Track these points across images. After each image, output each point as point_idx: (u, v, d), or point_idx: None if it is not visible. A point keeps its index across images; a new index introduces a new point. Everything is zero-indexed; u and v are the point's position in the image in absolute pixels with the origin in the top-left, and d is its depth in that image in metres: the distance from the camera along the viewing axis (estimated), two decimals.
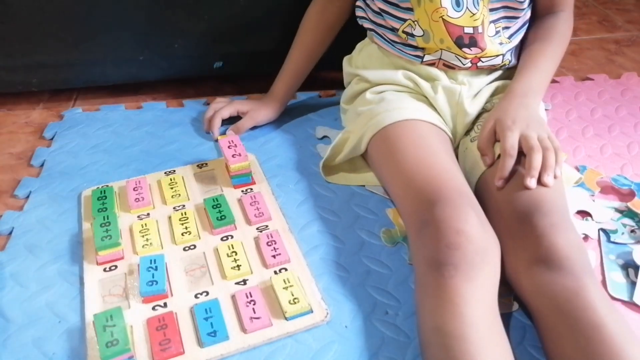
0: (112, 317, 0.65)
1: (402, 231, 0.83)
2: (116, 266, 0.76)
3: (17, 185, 0.93)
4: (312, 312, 0.70)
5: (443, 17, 0.81)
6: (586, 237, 0.83)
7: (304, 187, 0.92)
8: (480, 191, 0.79)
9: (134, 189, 0.87)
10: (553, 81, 1.22)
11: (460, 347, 0.55)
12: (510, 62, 0.88)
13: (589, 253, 0.72)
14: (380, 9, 0.87)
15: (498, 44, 0.85)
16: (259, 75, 1.18)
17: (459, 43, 0.82)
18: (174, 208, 0.86)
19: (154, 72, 1.15)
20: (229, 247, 0.78)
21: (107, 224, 0.79)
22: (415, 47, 0.86)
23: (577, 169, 0.95)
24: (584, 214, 0.87)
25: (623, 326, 0.57)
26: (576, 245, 0.64)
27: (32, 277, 0.76)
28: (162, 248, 0.79)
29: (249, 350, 0.67)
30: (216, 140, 1.01)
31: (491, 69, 0.89)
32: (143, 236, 0.80)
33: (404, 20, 0.85)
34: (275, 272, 0.75)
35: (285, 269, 0.76)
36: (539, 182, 0.70)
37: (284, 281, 0.72)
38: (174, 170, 0.94)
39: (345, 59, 1.01)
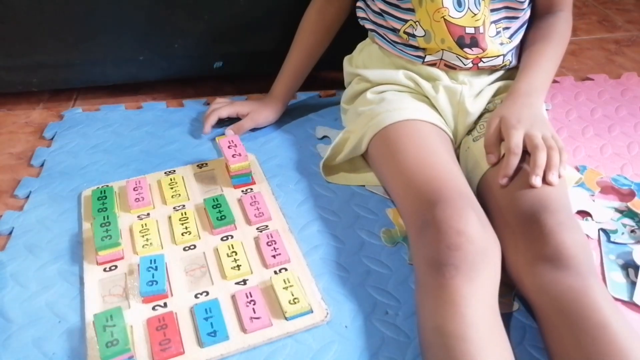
0: (112, 317, 0.65)
1: (402, 231, 0.83)
2: (116, 266, 0.76)
3: (17, 185, 0.93)
4: (312, 312, 0.70)
5: (445, 17, 0.81)
6: (586, 237, 0.83)
7: (304, 187, 0.92)
8: (482, 190, 0.79)
9: (134, 189, 0.87)
10: (553, 81, 1.21)
11: (461, 348, 0.55)
12: (510, 62, 0.88)
13: None
14: (380, 9, 0.87)
15: (499, 44, 0.85)
16: (259, 75, 1.18)
17: (460, 43, 0.82)
18: (174, 208, 0.86)
19: (154, 72, 1.15)
20: (229, 247, 0.78)
21: (107, 224, 0.79)
22: (417, 48, 0.86)
23: (577, 169, 0.95)
24: (584, 214, 0.87)
25: (627, 326, 0.57)
26: (582, 245, 0.64)
27: (32, 277, 0.76)
28: (162, 248, 0.79)
29: (249, 350, 0.67)
30: (213, 139, 1.01)
31: (492, 70, 0.89)
32: (143, 236, 0.80)
33: (405, 20, 0.85)
34: (275, 272, 0.75)
35: (285, 269, 0.76)
36: (544, 180, 0.71)
37: (284, 281, 0.72)
38: (174, 170, 0.94)
39: (346, 59, 1.01)
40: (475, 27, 0.82)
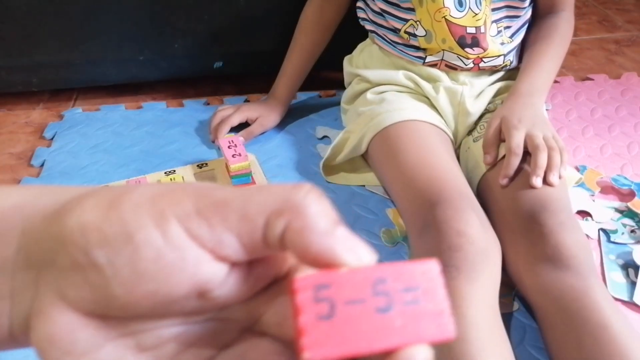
0: None
1: (402, 231, 0.83)
2: None
3: None
4: None
5: (446, 17, 0.81)
6: (586, 237, 0.83)
7: None
8: (482, 190, 0.79)
9: None
10: (553, 81, 1.22)
11: (462, 349, 0.55)
12: (511, 63, 0.88)
13: None
14: (381, 9, 0.87)
15: (499, 44, 0.85)
16: (259, 75, 1.18)
17: (462, 43, 0.82)
18: None
19: (154, 72, 1.15)
20: None
21: None
22: (417, 48, 0.86)
23: (577, 169, 0.95)
24: (584, 214, 0.87)
25: (628, 326, 0.57)
26: (583, 245, 0.65)
27: None
28: None
29: None
30: (213, 142, 1.01)
31: (493, 70, 0.89)
32: None
33: (406, 20, 0.85)
34: None
35: None
36: (545, 181, 0.71)
37: None
38: (174, 170, 0.94)
39: (346, 59, 1.01)
40: (476, 27, 0.82)
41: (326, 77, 1.17)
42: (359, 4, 0.94)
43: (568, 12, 0.89)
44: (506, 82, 0.89)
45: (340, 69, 1.02)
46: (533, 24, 0.90)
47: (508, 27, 0.85)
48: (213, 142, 1.01)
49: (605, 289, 0.62)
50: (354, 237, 0.18)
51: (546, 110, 1.09)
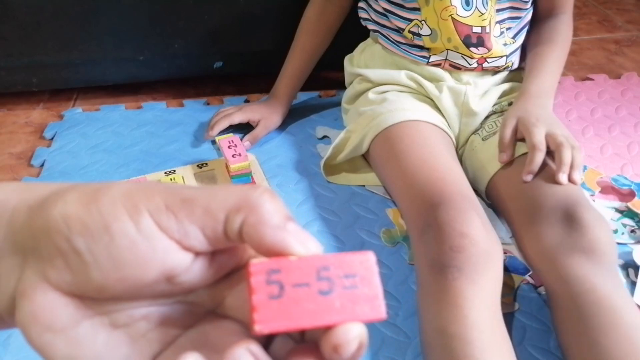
0: None
1: (402, 231, 0.83)
2: None
3: None
4: None
5: (452, 15, 0.81)
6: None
7: (304, 187, 0.92)
8: (494, 189, 0.79)
9: None
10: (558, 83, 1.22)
11: (464, 350, 0.55)
12: (513, 64, 0.88)
13: None
14: (384, 9, 0.87)
15: (502, 44, 0.85)
16: (259, 75, 1.18)
17: (467, 42, 0.83)
18: None
19: (154, 72, 1.15)
20: None
21: None
22: (421, 48, 0.86)
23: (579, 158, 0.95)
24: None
25: None
26: (614, 244, 0.67)
27: None
28: None
29: None
30: (213, 142, 1.01)
31: (495, 71, 0.89)
32: None
33: (410, 20, 0.85)
34: None
35: None
36: (568, 179, 0.71)
37: None
38: (174, 170, 0.94)
39: (347, 59, 1.01)
40: (482, 27, 0.82)
41: (326, 77, 1.17)
42: (360, 4, 0.94)
43: (568, 14, 0.90)
44: (510, 83, 0.89)
45: (340, 69, 1.02)
46: (533, 27, 0.90)
47: (509, 28, 0.86)
48: (208, 138, 1.01)
49: (626, 288, 0.63)
50: (303, 231, 0.21)
51: None
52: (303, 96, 1.16)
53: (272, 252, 0.20)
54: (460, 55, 0.84)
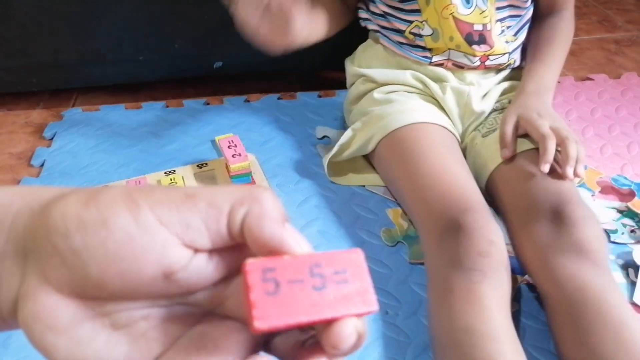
0: None
1: (402, 231, 0.83)
2: None
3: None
4: None
5: (453, 14, 0.81)
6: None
7: (304, 187, 0.92)
8: (492, 185, 0.80)
9: None
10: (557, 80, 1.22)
11: (496, 347, 0.56)
12: (515, 62, 0.89)
13: None
14: (384, 12, 0.87)
15: (504, 42, 0.85)
16: (259, 75, 1.18)
17: (469, 40, 0.83)
18: None
19: (154, 72, 1.15)
20: None
21: None
22: (423, 48, 0.86)
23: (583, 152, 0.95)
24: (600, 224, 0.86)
25: None
26: (604, 241, 0.67)
27: None
28: None
29: None
30: (213, 139, 1.01)
31: (498, 69, 0.89)
32: None
33: (410, 22, 0.85)
34: None
35: None
36: (563, 173, 0.72)
37: None
38: (174, 170, 0.94)
39: (348, 60, 1.00)
40: (483, 24, 0.82)
41: (326, 77, 1.17)
42: (359, 5, 0.93)
43: (569, 11, 0.90)
44: (511, 81, 0.90)
45: (340, 69, 1.02)
46: (534, 24, 0.90)
47: (510, 26, 0.86)
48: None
49: (618, 285, 0.63)
50: (298, 232, 0.22)
51: None
52: (303, 96, 1.16)
53: (269, 247, 0.21)
54: (463, 53, 0.84)
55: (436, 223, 0.70)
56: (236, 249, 0.22)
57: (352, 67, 0.97)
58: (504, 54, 0.86)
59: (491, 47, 0.84)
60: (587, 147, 1.02)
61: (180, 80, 1.20)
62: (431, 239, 0.71)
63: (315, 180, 0.93)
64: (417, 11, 0.83)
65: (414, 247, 0.80)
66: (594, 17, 1.54)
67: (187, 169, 0.94)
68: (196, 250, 0.21)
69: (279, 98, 1.15)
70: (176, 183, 0.90)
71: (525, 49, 0.90)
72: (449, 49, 0.84)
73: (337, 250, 0.22)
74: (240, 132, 1.00)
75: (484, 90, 0.88)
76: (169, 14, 1.07)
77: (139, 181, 0.89)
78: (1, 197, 0.22)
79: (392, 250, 0.81)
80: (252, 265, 0.20)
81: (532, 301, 0.74)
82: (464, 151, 0.88)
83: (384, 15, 0.88)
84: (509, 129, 0.79)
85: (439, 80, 0.88)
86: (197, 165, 0.95)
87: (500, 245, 0.65)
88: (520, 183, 0.75)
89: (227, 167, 0.91)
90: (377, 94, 0.89)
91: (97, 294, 0.21)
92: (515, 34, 0.87)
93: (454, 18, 0.81)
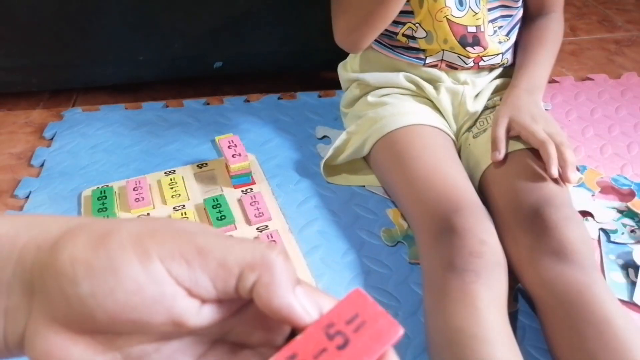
0: None
1: (402, 231, 0.83)
2: None
3: (17, 185, 0.93)
4: None
5: (447, 16, 0.81)
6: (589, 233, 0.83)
7: (304, 187, 0.92)
8: (483, 187, 0.80)
9: (134, 189, 0.87)
10: (553, 81, 1.22)
11: (486, 350, 0.56)
12: (508, 61, 0.89)
13: None
14: None
15: (497, 42, 0.85)
16: (259, 75, 1.18)
17: (463, 42, 0.83)
18: (174, 208, 0.86)
19: (154, 72, 1.15)
20: None
21: None
22: (417, 50, 0.86)
23: (577, 169, 0.95)
24: (584, 214, 0.86)
25: (630, 322, 0.58)
26: (586, 240, 0.66)
27: None
28: None
29: None
30: (213, 139, 1.01)
31: (491, 68, 0.89)
32: None
33: (402, 24, 0.85)
34: None
35: None
36: (564, 178, 0.72)
37: None
38: (174, 170, 0.94)
39: (341, 65, 1.00)
40: (476, 26, 0.82)
41: (326, 77, 1.17)
42: None
43: (558, 13, 0.91)
44: (503, 79, 0.90)
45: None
46: (524, 25, 0.90)
47: (501, 26, 0.87)
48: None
49: (606, 284, 0.63)
50: (307, 295, 0.22)
51: (546, 110, 1.09)
52: (303, 96, 1.16)
53: (277, 316, 0.21)
54: (457, 55, 0.84)
55: (430, 224, 0.70)
56: None
57: (345, 72, 0.98)
58: (498, 54, 0.86)
59: (485, 49, 0.84)
60: (587, 147, 1.02)
61: (180, 80, 1.20)
62: (425, 240, 0.71)
63: (315, 180, 0.93)
64: (410, 13, 0.83)
65: (413, 247, 0.80)
66: (594, 17, 1.54)
67: (187, 169, 0.94)
68: (204, 301, 0.22)
69: (279, 98, 1.15)
70: (176, 183, 0.90)
71: (516, 48, 0.90)
72: (443, 50, 0.84)
73: (339, 301, 0.23)
74: (240, 132, 1.00)
75: (477, 89, 0.88)
76: (169, 14, 1.07)
77: (139, 181, 0.89)
78: (6, 229, 0.22)
79: (392, 250, 0.81)
80: None
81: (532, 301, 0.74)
82: (458, 152, 0.89)
83: None
84: (501, 132, 0.78)
85: (432, 81, 0.88)
86: (197, 165, 0.95)
87: (494, 245, 0.65)
88: (507, 184, 0.75)
89: (227, 167, 0.91)
90: (370, 98, 0.89)
91: (108, 331, 0.21)
92: (508, 34, 0.88)
93: (448, 21, 0.81)
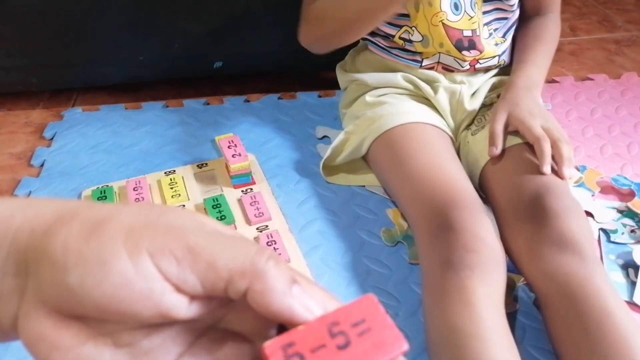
0: None
1: (402, 231, 0.83)
2: None
3: (17, 185, 0.93)
4: None
5: (443, 21, 0.81)
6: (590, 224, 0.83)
7: (304, 187, 0.92)
8: (483, 183, 0.80)
9: (134, 189, 0.87)
10: (553, 81, 1.22)
11: (480, 348, 0.56)
12: (505, 62, 0.89)
13: None
14: None
15: (494, 45, 0.86)
16: (259, 75, 1.18)
17: (459, 46, 0.83)
18: None
19: (154, 72, 1.15)
20: None
21: None
22: (413, 52, 0.86)
23: (577, 169, 0.95)
24: (584, 214, 0.86)
25: (629, 315, 0.58)
26: (587, 231, 0.66)
27: None
28: None
29: None
30: (213, 139, 1.01)
31: (487, 69, 0.89)
32: None
33: (399, 26, 0.85)
34: None
35: None
36: (559, 174, 0.71)
37: None
38: (174, 170, 0.94)
39: (339, 66, 1.00)
40: (472, 30, 0.82)
41: (326, 77, 1.17)
42: None
43: (555, 14, 0.91)
44: (500, 77, 0.90)
45: None
46: (521, 25, 0.91)
47: (497, 28, 0.87)
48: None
49: (607, 276, 0.62)
50: (307, 293, 0.22)
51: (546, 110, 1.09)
52: (303, 96, 1.16)
53: (278, 319, 0.21)
54: (453, 58, 0.84)
55: (426, 221, 0.70)
56: None
57: (343, 72, 0.98)
58: (494, 56, 0.86)
59: (481, 52, 0.84)
60: (587, 147, 1.02)
61: (180, 80, 1.20)
62: (423, 237, 0.71)
63: (315, 180, 0.93)
64: (407, 16, 0.83)
65: (413, 248, 0.80)
66: (594, 17, 1.54)
67: (187, 169, 0.94)
68: (193, 297, 0.22)
69: (279, 98, 1.15)
70: (176, 183, 0.90)
71: (513, 47, 0.90)
72: (439, 52, 0.85)
73: (349, 303, 0.22)
74: (240, 132, 1.00)
75: (474, 88, 0.88)
76: (169, 14, 1.07)
77: (139, 181, 0.89)
78: (1, 209, 0.22)
79: (392, 250, 0.81)
80: (271, 347, 0.20)
81: (531, 301, 0.73)
82: (457, 150, 0.89)
83: None
84: (499, 127, 0.78)
85: (430, 81, 0.88)
86: (197, 165, 0.95)
87: (490, 241, 0.65)
88: (506, 178, 0.75)
89: (227, 167, 0.91)
90: (368, 97, 0.89)
91: (99, 318, 0.21)
92: (504, 35, 0.88)
93: (444, 25, 0.81)
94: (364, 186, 0.92)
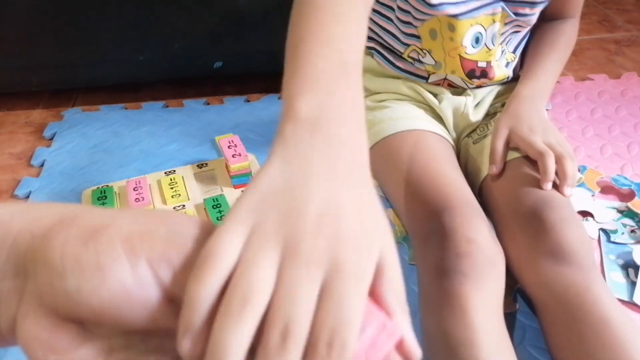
0: None
1: (402, 231, 0.83)
2: None
3: (17, 185, 0.93)
4: None
5: (460, 54, 0.80)
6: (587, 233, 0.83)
7: None
8: (484, 192, 0.79)
9: (134, 189, 0.87)
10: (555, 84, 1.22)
11: (470, 354, 0.55)
12: (509, 77, 0.87)
13: None
14: (381, 26, 0.86)
15: (504, 66, 0.84)
16: (259, 75, 1.18)
17: (470, 75, 0.82)
18: (174, 208, 0.86)
19: (154, 72, 1.15)
20: None
21: None
22: (421, 70, 0.85)
23: (577, 169, 0.95)
24: (584, 214, 0.87)
25: (629, 321, 0.58)
26: (584, 240, 0.65)
27: None
28: None
29: None
30: (213, 139, 1.01)
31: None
32: None
33: (407, 45, 0.83)
34: None
35: None
36: (559, 190, 0.70)
37: None
38: (174, 170, 0.94)
39: None
40: (487, 62, 0.81)
41: None
42: None
43: (576, 18, 0.89)
44: (505, 85, 0.89)
45: None
46: (537, 27, 0.88)
47: (509, 41, 0.84)
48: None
49: (605, 284, 0.62)
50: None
51: (546, 110, 1.09)
52: None
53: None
54: (461, 79, 0.84)
55: (420, 226, 0.70)
56: None
57: None
58: (503, 80, 0.85)
59: (490, 80, 0.83)
60: (587, 147, 1.02)
61: (180, 80, 1.20)
62: (418, 243, 0.70)
63: None
64: (417, 37, 0.82)
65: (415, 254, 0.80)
66: (594, 17, 1.54)
67: (187, 169, 0.94)
68: None
69: (279, 98, 1.15)
70: (176, 183, 0.90)
71: (524, 52, 0.89)
72: (447, 73, 0.84)
73: None
74: (240, 132, 1.00)
75: (479, 99, 0.87)
76: (169, 14, 1.07)
77: (139, 181, 0.89)
78: (1, 213, 0.22)
79: None
80: None
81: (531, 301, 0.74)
82: (458, 156, 0.88)
83: (379, 34, 0.86)
84: (500, 145, 0.77)
85: (434, 93, 0.87)
86: (197, 165, 0.95)
87: (483, 243, 0.63)
88: (507, 189, 0.74)
89: (227, 167, 0.91)
90: (369, 102, 0.89)
91: (94, 322, 0.21)
92: (514, 51, 0.86)
93: (460, 57, 0.80)
94: None
